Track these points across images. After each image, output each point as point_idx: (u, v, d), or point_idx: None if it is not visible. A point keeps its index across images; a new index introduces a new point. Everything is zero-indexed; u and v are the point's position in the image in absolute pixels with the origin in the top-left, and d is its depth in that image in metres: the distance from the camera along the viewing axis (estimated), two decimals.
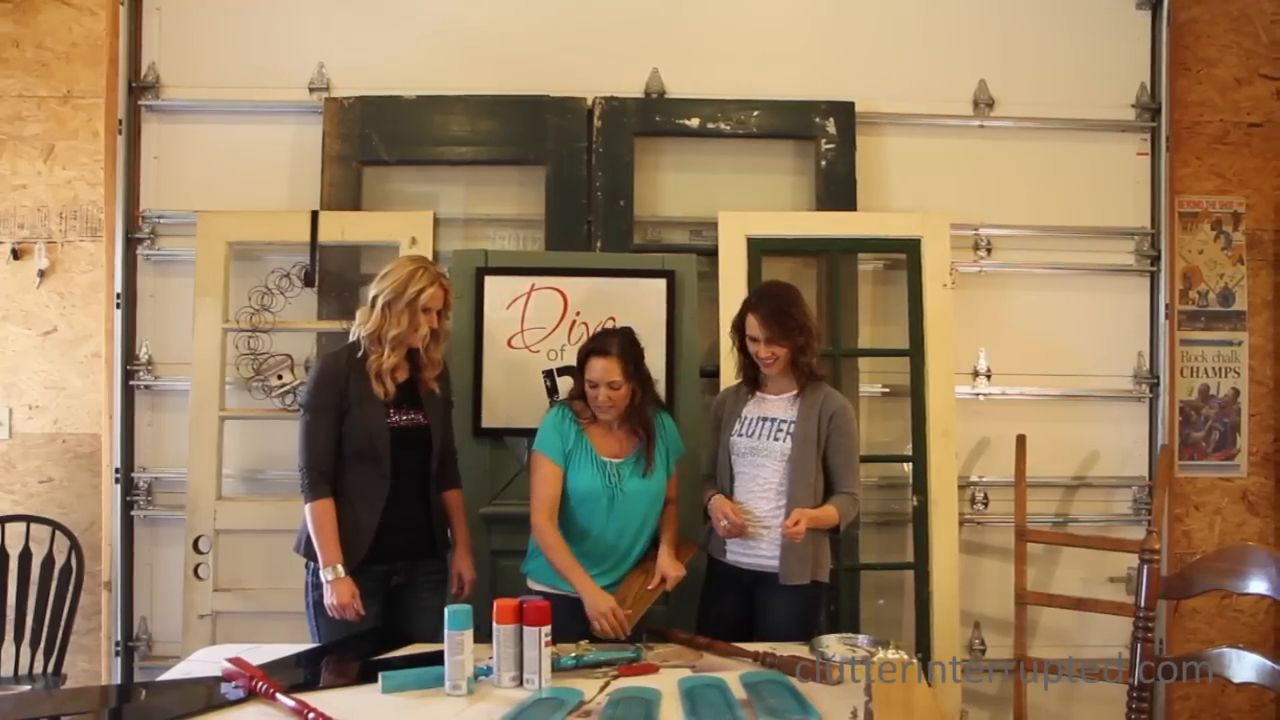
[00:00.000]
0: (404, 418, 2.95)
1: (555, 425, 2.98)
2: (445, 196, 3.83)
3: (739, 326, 3.02)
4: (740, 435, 3.03)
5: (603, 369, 2.91)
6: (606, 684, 2.40)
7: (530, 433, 3.07)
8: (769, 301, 2.98)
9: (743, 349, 3.03)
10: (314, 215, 3.63)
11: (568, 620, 2.71)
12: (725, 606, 3.04)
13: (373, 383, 2.89)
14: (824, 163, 3.77)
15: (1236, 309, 3.95)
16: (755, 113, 3.78)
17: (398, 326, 2.87)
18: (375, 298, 2.91)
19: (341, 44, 3.81)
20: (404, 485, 2.94)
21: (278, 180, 3.80)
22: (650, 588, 2.93)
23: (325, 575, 2.81)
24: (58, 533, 3.53)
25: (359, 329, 2.93)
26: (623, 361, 2.93)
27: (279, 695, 2.24)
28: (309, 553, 2.90)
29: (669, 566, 2.96)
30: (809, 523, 2.84)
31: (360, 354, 2.92)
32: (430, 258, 3.49)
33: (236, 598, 3.58)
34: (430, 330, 2.94)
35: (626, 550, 2.99)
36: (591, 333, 3.37)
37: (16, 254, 3.73)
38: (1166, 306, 3.86)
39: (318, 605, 2.88)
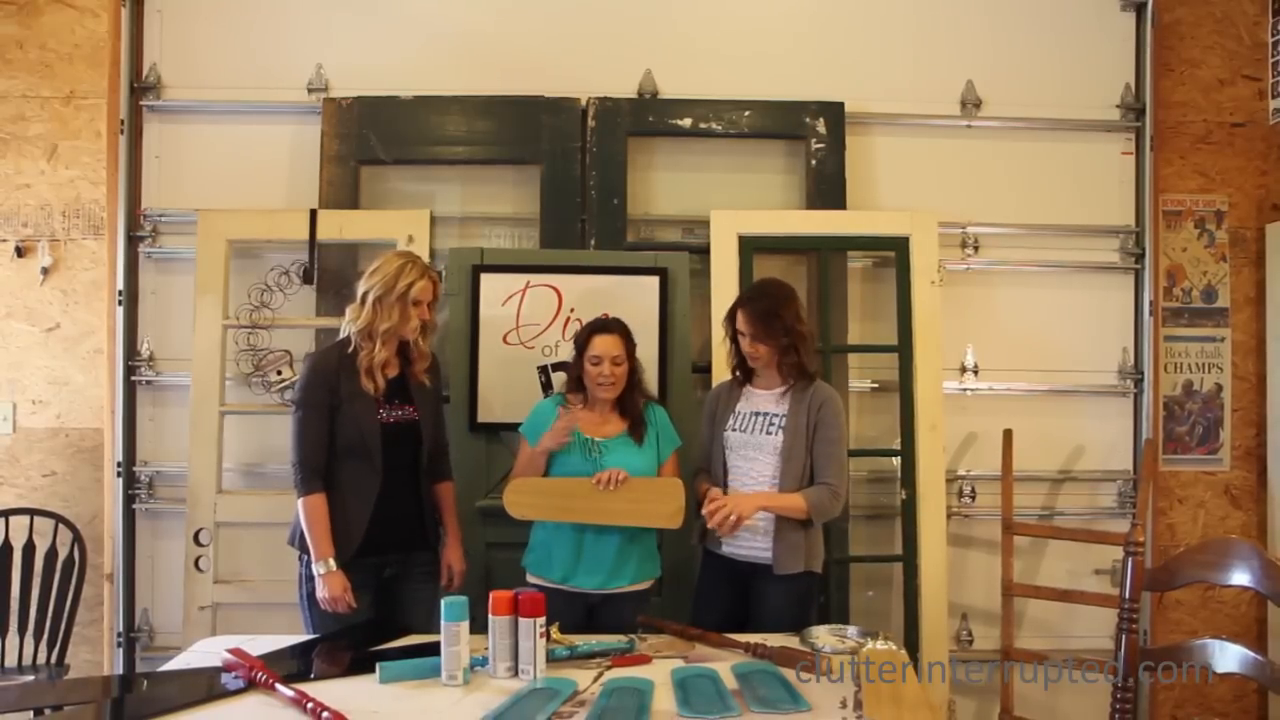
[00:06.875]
0: (395, 413, 2.99)
1: (543, 411, 3.09)
2: (442, 195, 3.87)
3: (731, 318, 3.07)
4: (733, 430, 3.07)
5: (608, 344, 3.02)
6: (600, 675, 2.43)
7: None
8: (760, 300, 3.02)
9: (734, 340, 3.08)
10: (312, 214, 3.66)
11: (564, 614, 2.76)
12: (719, 597, 3.07)
13: (363, 378, 2.92)
14: (814, 162, 3.82)
15: (1219, 306, 4.00)
16: (746, 113, 3.82)
17: (389, 320, 2.91)
18: (365, 294, 2.95)
19: (340, 45, 3.85)
20: (395, 479, 2.97)
21: (277, 179, 3.84)
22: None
23: (317, 569, 2.86)
24: (61, 526, 3.57)
25: (349, 325, 2.97)
26: (625, 340, 3.05)
27: (278, 685, 2.27)
28: (302, 545, 2.94)
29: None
30: (759, 507, 2.90)
31: (350, 350, 2.95)
32: (427, 256, 3.56)
33: (236, 589, 3.62)
34: (420, 323, 2.99)
35: (608, 539, 3.00)
36: None
37: (20, 252, 3.77)
38: (1151, 303, 3.91)
39: (310, 597, 2.92)
